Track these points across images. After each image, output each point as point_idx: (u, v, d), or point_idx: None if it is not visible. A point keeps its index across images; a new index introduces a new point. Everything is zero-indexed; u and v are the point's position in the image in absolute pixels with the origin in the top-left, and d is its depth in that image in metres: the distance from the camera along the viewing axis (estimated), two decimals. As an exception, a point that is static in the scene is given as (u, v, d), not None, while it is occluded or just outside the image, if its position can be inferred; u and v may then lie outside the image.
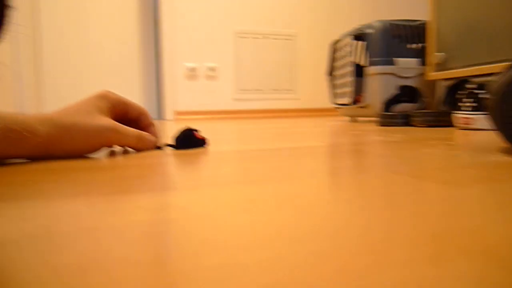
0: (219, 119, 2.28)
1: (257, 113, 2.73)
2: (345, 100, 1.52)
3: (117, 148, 0.55)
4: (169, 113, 2.53)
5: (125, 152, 0.52)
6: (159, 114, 2.70)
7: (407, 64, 1.37)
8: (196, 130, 0.57)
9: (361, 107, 1.43)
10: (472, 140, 0.64)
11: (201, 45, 2.59)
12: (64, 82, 2.49)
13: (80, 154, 0.47)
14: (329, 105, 2.85)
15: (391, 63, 1.36)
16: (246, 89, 2.70)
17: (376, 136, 0.74)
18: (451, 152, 0.47)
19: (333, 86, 1.67)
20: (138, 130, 0.52)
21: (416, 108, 1.12)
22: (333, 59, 1.67)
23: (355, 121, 1.61)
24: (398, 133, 0.82)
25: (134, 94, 2.65)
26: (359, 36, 1.46)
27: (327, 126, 1.20)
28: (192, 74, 2.58)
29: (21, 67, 2.22)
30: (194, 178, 0.32)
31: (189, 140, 0.55)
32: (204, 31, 2.60)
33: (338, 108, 1.65)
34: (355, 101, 1.51)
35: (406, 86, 1.23)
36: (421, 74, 1.39)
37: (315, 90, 2.86)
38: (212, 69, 2.62)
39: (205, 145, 0.57)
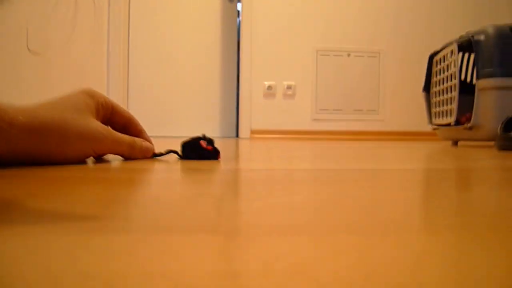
0: (296, 139, 2.16)
1: (337, 135, 2.55)
2: (447, 120, 1.29)
3: (106, 157, 0.46)
4: (244, 132, 2.48)
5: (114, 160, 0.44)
6: (236, 133, 2.68)
7: (532, 77, 1.11)
8: (207, 139, 0.49)
9: (467, 128, 1.19)
10: None
11: (280, 64, 2.53)
12: (147, 97, 2.60)
13: (60, 160, 0.36)
14: (418, 127, 2.57)
15: (510, 74, 1.11)
16: (326, 109, 2.55)
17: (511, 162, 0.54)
18: None
19: (431, 104, 1.45)
20: (130, 136, 0.44)
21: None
22: (431, 74, 1.45)
23: (458, 145, 1.36)
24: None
25: (213, 112, 2.66)
26: (465, 45, 1.24)
27: (425, 149, 1.00)
28: (269, 92, 2.51)
29: (110, 74, 2.37)
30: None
31: (196, 150, 0.47)
32: (284, 49, 2.53)
33: (436, 129, 1.41)
34: (459, 122, 1.27)
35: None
36: (552, 89, 1.12)
37: (402, 110, 2.59)
38: (290, 87, 2.52)
39: (217, 158, 0.49)
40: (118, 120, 0.44)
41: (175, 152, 0.49)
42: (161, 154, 0.49)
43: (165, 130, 2.61)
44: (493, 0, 2.65)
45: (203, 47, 2.65)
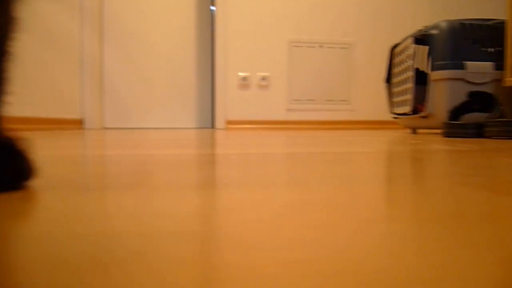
0: (271, 129, 2.22)
1: (310, 124, 2.63)
2: (404, 109, 1.38)
3: None
4: (220, 122, 2.53)
5: None
6: (212, 124, 2.72)
7: (479, 68, 1.20)
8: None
9: (422, 116, 1.28)
10: None
11: (254, 55, 2.57)
12: (123, 89, 2.61)
13: None
14: (387, 117, 2.68)
15: (460, 67, 1.20)
16: (299, 99, 2.62)
17: (440, 145, 0.62)
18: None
19: (391, 95, 1.53)
20: None
21: (490, 118, 0.96)
22: (391, 65, 1.53)
23: (416, 132, 1.45)
24: (468, 143, 0.69)
25: (189, 104, 2.69)
26: (421, 38, 1.32)
27: (384, 136, 1.08)
28: (244, 83, 2.56)
29: (84, 74, 2.37)
30: None
31: None
32: (257, 40, 2.58)
33: (396, 118, 1.50)
34: (416, 111, 1.36)
35: (478, 93, 1.07)
36: (497, 80, 1.21)
37: (373, 101, 2.69)
38: (264, 78, 2.58)
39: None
40: None
41: None
42: None
43: (141, 122, 2.62)
44: (457, -6, 2.76)
45: (177, 39, 2.67)
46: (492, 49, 1.24)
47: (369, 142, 0.74)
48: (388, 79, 1.55)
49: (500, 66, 1.22)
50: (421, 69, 1.29)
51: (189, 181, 0.22)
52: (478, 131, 0.92)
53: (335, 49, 2.65)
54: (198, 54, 2.70)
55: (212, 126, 2.70)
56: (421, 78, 1.34)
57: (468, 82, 1.20)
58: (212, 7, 2.69)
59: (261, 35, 2.57)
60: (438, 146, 0.61)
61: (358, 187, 0.20)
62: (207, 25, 2.71)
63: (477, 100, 1.08)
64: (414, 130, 1.49)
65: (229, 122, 2.54)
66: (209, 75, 2.72)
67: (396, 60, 1.48)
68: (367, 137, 1.02)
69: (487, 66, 1.21)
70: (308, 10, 2.63)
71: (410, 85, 1.32)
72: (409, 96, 1.33)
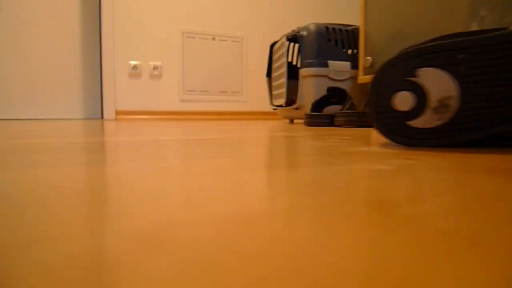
0: (164, 120, 2.21)
1: (204, 115, 2.68)
2: (281, 102, 1.52)
3: None
4: (109, 113, 2.42)
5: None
6: (102, 114, 2.58)
7: (339, 67, 1.39)
8: None
9: (295, 108, 1.44)
10: (368, 136, 0.64)
11: (145, 43, 2.51)
12: (1, 77, 2.31)
13: None
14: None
15: (323, 65, 1.37)
16: (193, 90, 2.65)
17: (284, 132, 0.73)
18: (329, 144, 0.47)
19: (271, 88, 1.67)
20: None
21: (341, 110, 1.14)
22: (271, 61, 1.67)
23: (293, 122, 1.61)
24: (312, 131, 0.81)
25: (76, 93, 2.50)
26: (293, 38, 1.47)
27: (266, 126, 1.19)
28: (135, 72, 2.49)
29: None
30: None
31: None
32: (149, 29, 2.52)
33: (275, 109, 1.65)
34: (291, 103, 1.51)
35: (335, 88, 1.25)
36: (353, 77, 1.42)
37: (262, 93, 2.86)
38: (156, 67, 2.54)
39: None
40: None
41: None
42: None
43: (22, 112, 2.36)
44: (336, -2, 3.08)
45: (61, 24, 2.45)
46: (350, 51, 1.44)
47: (243, 131, 0.82)
48: (268, 74, 1.68)
49: (355, 66, 1.43)
50: (292, 63, 1.43)
51: (76, 160, 0.25)
52: (331, 121, 1.08)
53: (228, 42, 2.74)
54: (84, 40, 2.53)
55: (102, 116, 2.57)
56: (294, 74, 1.49)
57: (330, 78, 1.38)
58: (98, -10, 2.54)
59: (153, 23, 2.52)
60: (280, 133, 0.71)
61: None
62: (95, 9, 2.55)
63: (334, 95, 1.25)
64: (291, 120, 1.65)
65: (119, 113, 2.45)
66: (97, 63, 2.57)
67: (275, 56, 1.62)
68: (248, 126, 1.11)
69: (345, 65, 1.41)
70: (202, 2, 2.66)
71: (284, 79, 1.47)
72: (284, 90, 1.47)
